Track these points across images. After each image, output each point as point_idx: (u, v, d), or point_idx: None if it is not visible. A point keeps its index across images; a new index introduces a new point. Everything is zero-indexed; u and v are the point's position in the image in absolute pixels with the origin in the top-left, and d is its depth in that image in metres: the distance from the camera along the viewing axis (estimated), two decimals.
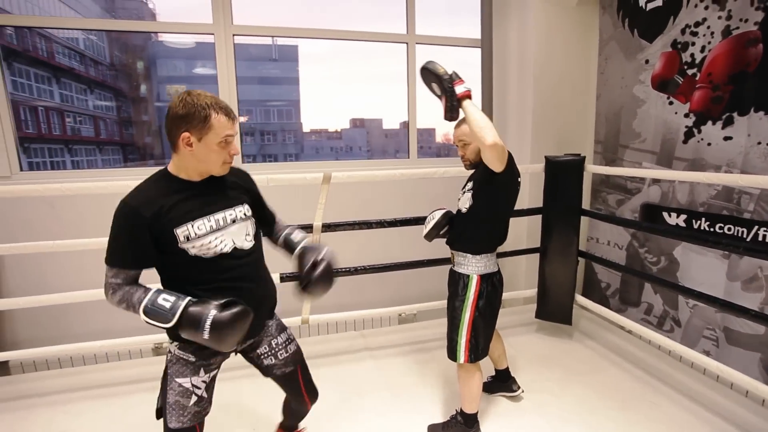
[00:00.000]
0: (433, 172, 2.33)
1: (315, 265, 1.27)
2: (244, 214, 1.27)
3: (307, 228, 2.24)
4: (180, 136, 1.09)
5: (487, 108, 3.06)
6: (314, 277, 1.26)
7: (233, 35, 2.73)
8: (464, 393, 1.78)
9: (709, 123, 2.18)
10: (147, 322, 1.09)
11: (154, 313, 1.07)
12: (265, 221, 1.43)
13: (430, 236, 1.91)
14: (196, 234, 1.15)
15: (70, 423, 1.96)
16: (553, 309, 2.61)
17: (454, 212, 1.86)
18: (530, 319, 2.84)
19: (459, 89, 1.50)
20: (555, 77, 2.92)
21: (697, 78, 2.22)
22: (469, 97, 1.51)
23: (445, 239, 1.86)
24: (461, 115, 1.56)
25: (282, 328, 1.43)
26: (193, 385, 1.24)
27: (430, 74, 1.55)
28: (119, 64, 6.05)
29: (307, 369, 1.48)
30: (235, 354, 1.36)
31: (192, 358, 1.24)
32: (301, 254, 1.33)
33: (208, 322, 1.05)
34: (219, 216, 1.19)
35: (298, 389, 1.45)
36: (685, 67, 2.28)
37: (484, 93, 3.03)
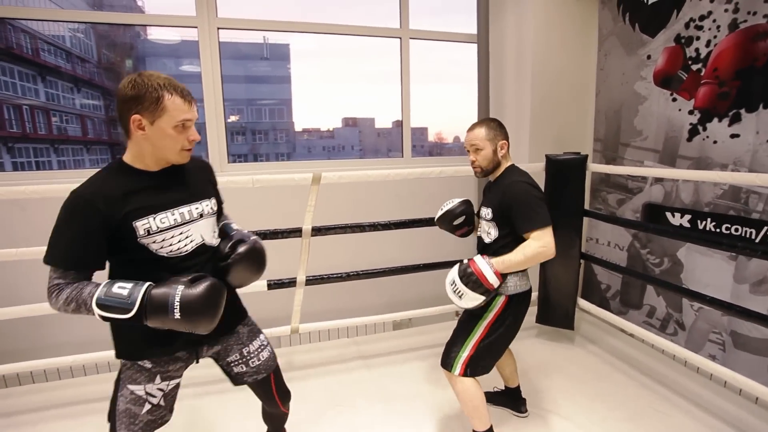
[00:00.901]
0: (429, 172, 2.22)
1: (240, 242, 1.19)
2: (212, 209, 1.20)
3: (296, 232, 2.12)
4: (131, 119, 1.01)
5: (484, 106, 2.96)
6: (238, 254, 1.16)
7: (218, 28, 2.60)
8: (468, 410, 1.64)
9: (715, 120, 2.10)
10: (103, 318, 0.95)
11: (110, 303, 0.94)
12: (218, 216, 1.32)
13: (441, 222, 1.82)
14: (158, 227, 1.06)
15: None
16: (555, 313, 2.52)
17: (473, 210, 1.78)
18: (530, 323, 2.74)
19: (491, 279, 1.47)
20: (553, 73, 2.83)
21: (702, 74, 2.14)
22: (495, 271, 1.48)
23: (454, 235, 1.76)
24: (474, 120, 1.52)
25: (255, 334, 1.34)
26: (147, 393, 1.14)
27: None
28: (107, 62, 5.89)
29: (279, 374, 1.40)
30: (197, 362, 1.24)
31: (148, 365, 1.13)
32: (230, 237, 1.23)
33: (177, 299, 0.95)
34: (184, 209, 1.12)
35: (271, 395, 1.38)
36: (690, 62, 2.19)
37: (480, 90, 2.93)
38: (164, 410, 1.19)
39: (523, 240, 1.51)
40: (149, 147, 1.05)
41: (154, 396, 1.15)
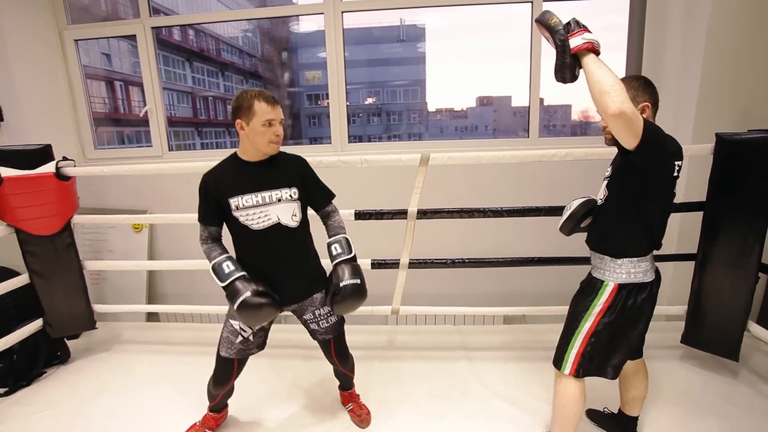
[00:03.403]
0: (552, 155, 1.94)
1: (340, 288, 1.46)
2: (290, 196, 1.48)
3: (401, 214, 2.10)
4: (236, 123, 1.41)
5: (634, 71, 2.44)
6: (338, 299, 1.47)
7: (342, 12, 2.68)
8: (556, 413, 1.44)
9: None
10: (212, 274, 1.42)
11: (216, 271, 1.41)
12: (314, 203, 1.60)
13: (564, 228, 1.59)
14: (243, 205, 1.43)
15: (186, 372, 2.23)
16: (712, 336, 1.98)
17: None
18: (673, 341, 2.24)
19: (574, 42, 1.18)
20: (737, 24, 2.16)
21: None
22: (592, 51, 1.17)
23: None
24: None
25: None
26: (240, 328, 1.54)
27: (542, 27, 1.24)
28: (267, 56, 6.82)
29: (341, 340, 1.69)
30: (281, 311, 1.54)
31: None
32: (331, 274, 1.54)
33: (240, 299, 1.35)
34: (266, 194, 1.45)
35: (330, 354, 1.68)
36: None
37: (630, 51, 2.41)
38: (253, 345, 1.57)
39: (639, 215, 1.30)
40: (248, 143, 1.43)
41: (245, 330, 1.54)
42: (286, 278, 1.51)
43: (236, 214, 1.43)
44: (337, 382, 1.87)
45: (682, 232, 2.38)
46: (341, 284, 1.46)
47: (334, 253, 1.52)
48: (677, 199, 2.28)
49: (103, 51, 3.85)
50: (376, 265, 2.21)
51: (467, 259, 2.23)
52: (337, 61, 2.76)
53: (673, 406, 1.84)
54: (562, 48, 1.19)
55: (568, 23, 1.21)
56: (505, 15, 2.99)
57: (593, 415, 1.76)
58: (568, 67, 1.20)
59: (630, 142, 1.18)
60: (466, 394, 1.98)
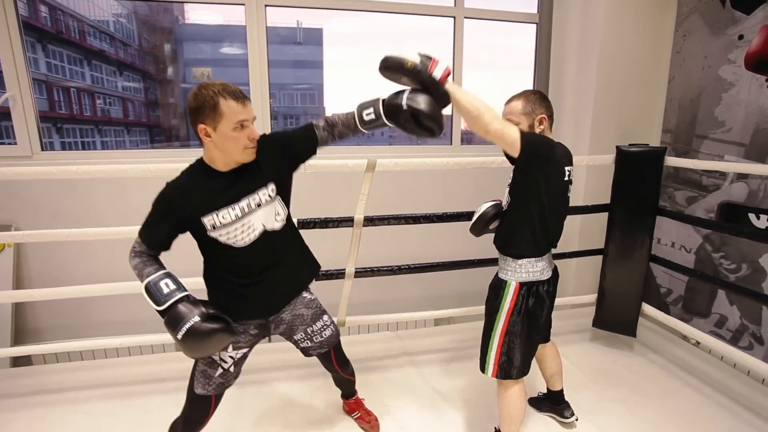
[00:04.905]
0: (490, 162, 2.06)
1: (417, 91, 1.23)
2: (269, 196, 1.25)
3: (347, 221, 2.01)
4: (198, 129, 1.13)
5: (543, 89, 2.75)
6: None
7: (265, 6, 2.49)
8: (502, 413, 1.54)
9: None
10: (145, 296, 1.14)
11: (151, 291, 1.13)
12: (308, 149, 1.35)
13: (475, 229, 1.67)
14: (221, 223, 1.18)
15: (89, 426, 1.81)
16: (616, 318, 2.33)
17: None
18: (584, 325, 2.58)
19: (437, 72, 1.22)
20: (623, 57, 2.59)
21: None
22: (448, 75, 1.24)
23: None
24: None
25: (318, 316, 1.50)
26: (220, 359, 1.32)
27: (394, 71, 1.25)
28: (147, 47, 6.00)
29: (340, 348, 1.61)
30: (269, 340, 1.42)
31: None
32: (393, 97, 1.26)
33: (186, 326, 1.08)
34: (243, 203, 1.21)
35: (332, 365, 1.59)
36: None
37: (539, 75, 2.73)
38: (231, 376, 1.37)
39: (533, 225, 1.42)
40: (218, 152, 1.16)
41: (225, 362, 1.33)
42: (279, 285, 1.34)
43: (214, 234, 1.18)
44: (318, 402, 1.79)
45: (581, 230, 2.75)
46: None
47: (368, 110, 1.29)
48: (578, 202, 2.63)
49: None
50: (320, 276, 2.08)
51: (413, 265, 2.24)
52: (260, 59, 2.55)
53: (594, 381, 2.11)
54: (433, 85, 1.22)
55: (421, 61, 1.22)
56: (415, 27, 3.10)
57: (532, 401, 1.91)
58: (444, 98, 1.26)
59: (513, 151, 1.29)
60: (418, 400, 1.98)
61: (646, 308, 2.33)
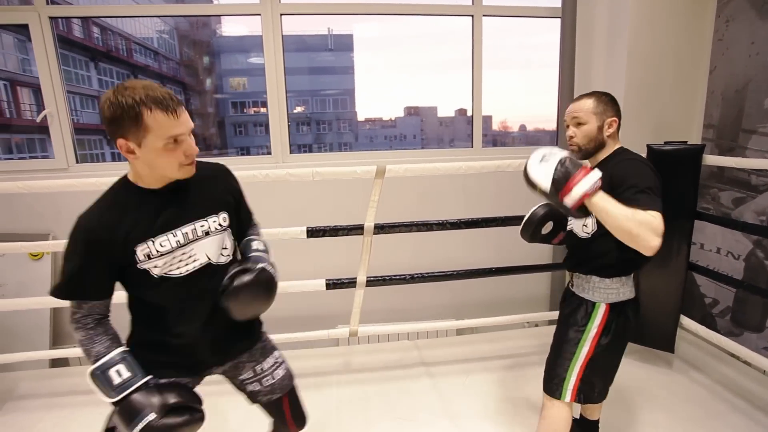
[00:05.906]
0: (507, 165, 1.96)
1: (245, 271, 1.03)
2: (220, 225, 1.07)
3: (357, 229, 1.98)
4: (117, 144, 0.89)
5: (567, 91, 2.60)
6: (235, 287, 1.01)
7: (281, 14, 2.51)
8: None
9: None
10: (90, 384, 0.96)
11: (99, 380, 0.95)
12: (239, 227, 1.17)
13: (525, 233, 1.57)
14: (158, 252, 0.96)
15: None
16: (650, 332, 2.15)
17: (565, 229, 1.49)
18: None
19: (579, 191, 1.09)
20: (655, 49, 2.39)
21: None
22: (597, 190, 1.11)
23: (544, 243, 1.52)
24: (575, 95, 1.22)
25: (268, 351, 1.25)
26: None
27: (532, 186, 1.19)
28: (187, 59, 6.33)
29: (295, 395, 1.29)
30: (201, 378, 1.18)
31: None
32: (242, 260, 1.11)
33: (141, 425, 0.90)
34: (188, 229, 1.00)
35: (283, 417, 1.26)
36: None
37: (563, 73, 2.57)
38: None
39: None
40: (146, 168, 0.94)
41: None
42: (221, 329, 1.10)
43: (146, 266, 0.96)
44: None
45: None
46: (255, 268, 1.05)
47: (256, 245, 1.15)
48: None
49: None
50: (332, 285, 2.06)
51: (426, 273, 2.18)
52: (276, 67, 2.57)
53: (628, 402, 1.94)
54: (565, 210, 1.15)
55: (554, 180, 1.11)
56: (438, 28, 3.03)
57: None
58: (575, 215, 1.17)
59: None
60: (433, 414, 1.90)
61: (685, 321, 2.13)
